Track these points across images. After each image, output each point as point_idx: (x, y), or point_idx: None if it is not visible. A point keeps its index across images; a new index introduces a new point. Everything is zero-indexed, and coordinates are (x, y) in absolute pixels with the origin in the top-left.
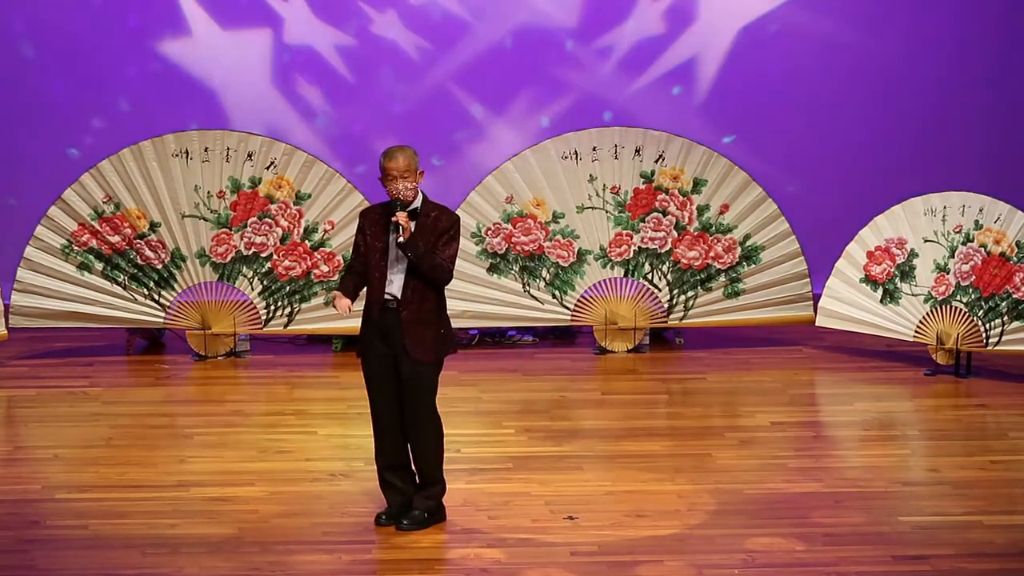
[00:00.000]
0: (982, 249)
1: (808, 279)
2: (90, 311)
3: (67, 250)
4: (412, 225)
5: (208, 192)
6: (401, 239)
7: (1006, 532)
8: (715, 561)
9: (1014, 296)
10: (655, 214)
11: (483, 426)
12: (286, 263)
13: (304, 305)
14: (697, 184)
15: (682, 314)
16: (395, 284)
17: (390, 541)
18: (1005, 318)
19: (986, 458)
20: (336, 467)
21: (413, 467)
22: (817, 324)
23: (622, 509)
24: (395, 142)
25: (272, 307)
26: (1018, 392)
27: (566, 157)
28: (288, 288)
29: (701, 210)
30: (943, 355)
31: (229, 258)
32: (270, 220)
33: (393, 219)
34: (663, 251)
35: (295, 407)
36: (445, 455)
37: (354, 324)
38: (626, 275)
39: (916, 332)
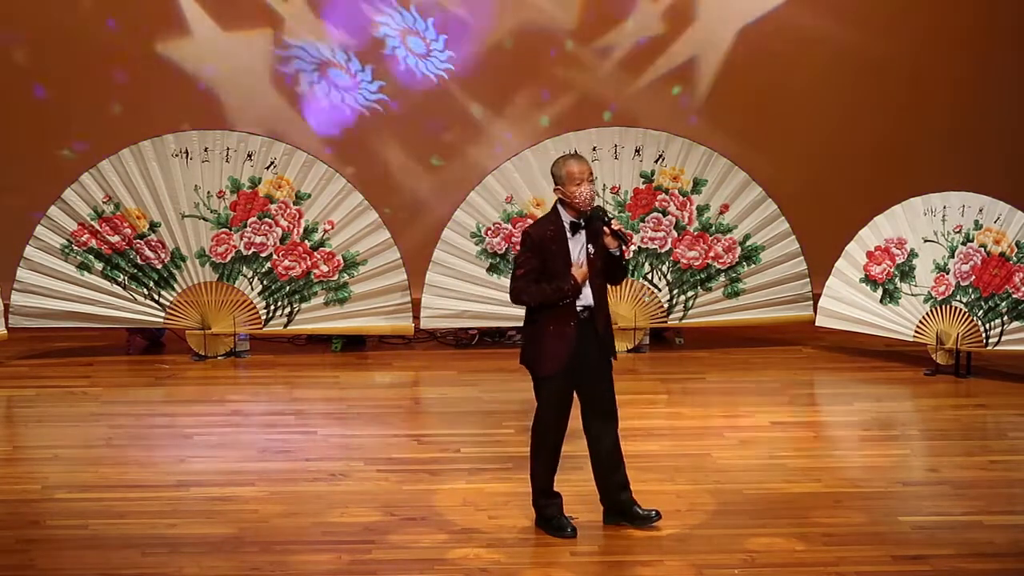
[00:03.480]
0: (982, 249)
1: (808, 279)
2: (90, 311)
3: (67, 250)
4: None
5: (208, 192)
6: (632, 246)
7: (1006, 532)
8: (715, 561)
9: (1014, 296)
10: (655, 214)
11: (483, 426)
12: (286, 263)
13: (304, 305)
14: (697, 184)
15: (682, 314)
16: (586, 294)
17: (390, 541)
18: (1005, 318)
19: (986, 458)
20: (336, 467)
21: (607, 465)
22: (817, 324)
23: None
24: (395, 142)
25: (272, 307)
26: (1018, 392)
27: None
28: (288, 288)
29: (701, 210)
30: (943, 355)
31: (229, 258)
32: (270, 220)
33: (616, 228)
34: (663, 251)
35: (295, 407)
36: (443, 456)
37: (351, 324)
38: None
39: (916, 332)
